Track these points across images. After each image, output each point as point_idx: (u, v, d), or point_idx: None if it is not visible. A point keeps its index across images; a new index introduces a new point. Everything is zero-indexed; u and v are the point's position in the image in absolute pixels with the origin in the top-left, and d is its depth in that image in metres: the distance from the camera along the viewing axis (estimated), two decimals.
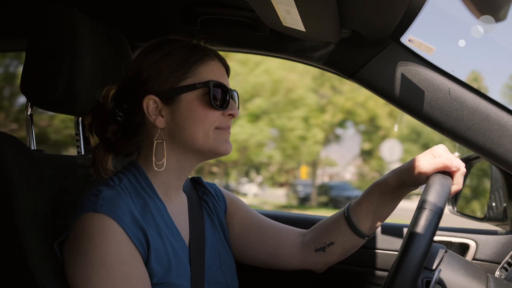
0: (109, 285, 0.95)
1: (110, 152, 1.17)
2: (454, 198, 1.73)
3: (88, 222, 0.99)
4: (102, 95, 1.18)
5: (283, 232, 1.35)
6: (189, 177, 1.36)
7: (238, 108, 1.22)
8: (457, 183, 1.07)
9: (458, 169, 1.06)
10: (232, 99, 1.17)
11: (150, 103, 1.11)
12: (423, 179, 1.09)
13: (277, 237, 1.34)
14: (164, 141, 1.13)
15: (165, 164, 1.12)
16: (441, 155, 1.09)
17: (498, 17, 0.76)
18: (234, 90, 1.20)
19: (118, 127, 1.16)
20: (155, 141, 1.12)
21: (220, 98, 1.13)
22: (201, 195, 1.33)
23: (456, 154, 1.11)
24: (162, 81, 1.11)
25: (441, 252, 1.05)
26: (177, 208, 1.20)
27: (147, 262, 1.03)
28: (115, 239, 0.98)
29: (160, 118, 1.12)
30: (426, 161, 1.09)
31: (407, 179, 1.14)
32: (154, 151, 1.12)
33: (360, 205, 1.24)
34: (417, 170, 1.10)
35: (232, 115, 1.16)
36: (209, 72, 1.14)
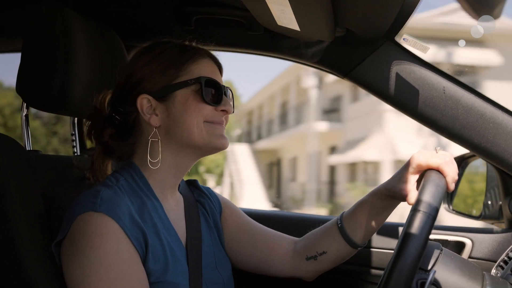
0: (107, 285, 0.95)
1: (109, 157, 1.19)
2: (449, 197, 1.73)
3: (87, 221, 0.98)
4: (99, 100, 1.18)
5: (276, 239, 1.36)
6: (185, 179, 1.36)
7: (233, 105, 1.23)
8: (448, 175, 1.07)
9: (439, 163, 1.07)
10: (225, 95, 1.18)
11: (144, 102, 1.12)
12: (412, 191, 1.13)
13: (269, 244, 1.34)
14: (159, 140, 1.13)
15: (160, 162, 1.13)
16: (420, 161, 1.11)
17: (493, 16, 0.76)
18: (227, 87, 1.20)
19: (115, 130, 1.17)
20: (150, 139, 1.13)
21: (213, 93, 1.14)
22: (197, 197, 1.34)
23: (437, 147, 1.13)
24: (155, 80, 1.12)
25: (436, 252, 1.05)
26: (173, 207, 1.20)
27: (144, 262, 1.03)
28: (114, 239, 0.98)
29: (155, 117, 1.13)
30: (410, 173, 1.13)
31: (396, 195, 1.17)
32: (148, 150, 1.13)
33: (354, 216, 1.25)
34: (404, 186, 1.14)
35: (225, 111, 1.16)
36: (201, 69, 1.15)
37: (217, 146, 1.15)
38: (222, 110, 1.16)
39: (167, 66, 1.13)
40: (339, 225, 1.26)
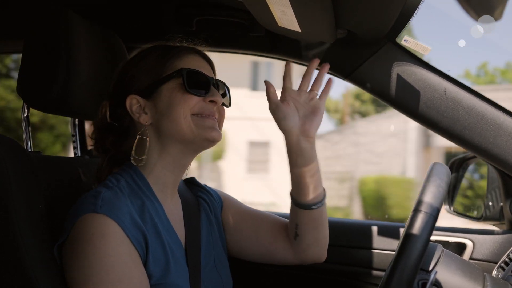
0: (108, 286, 0.95)
1: (115, 164, 1.18)
2: (450, 198, 1.73)
3: (88, 223, 0.98)
4: (102, 111, 1.18)
5: (277, 224, 1.35)
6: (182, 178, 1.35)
7: (230, 100, 1.24)
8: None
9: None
10: (215, 87, 1.17)
11: (133, 102, 1.13)
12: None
13: (271, 230, 1.34)
14: (153, 137, 1.13)
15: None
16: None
17: (494, 17, 0.76)
18: (219, 80, 1.20)
19: (115, 136, 1.17)
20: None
21: (197, 84, 1.13)
22: (197, 193, 1.33)
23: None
24: (142, 80, 1.13)
25: (437, 253, 1.05)
26: (172, 208, 1.20)
27: (145, 263, 1.03)
28: (115, 240, 0.98)
29: (144, 115, 1.13)
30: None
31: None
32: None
33: (291, 178, 1.24)
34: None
35: (214, 102, 1.15)
36: (186, 64, 1.15)
37: (208, 138, 1.12)
38: (211, 101, 1.15)
39: (153, 65, 1.14)
40: (290, 192, 1.25)
